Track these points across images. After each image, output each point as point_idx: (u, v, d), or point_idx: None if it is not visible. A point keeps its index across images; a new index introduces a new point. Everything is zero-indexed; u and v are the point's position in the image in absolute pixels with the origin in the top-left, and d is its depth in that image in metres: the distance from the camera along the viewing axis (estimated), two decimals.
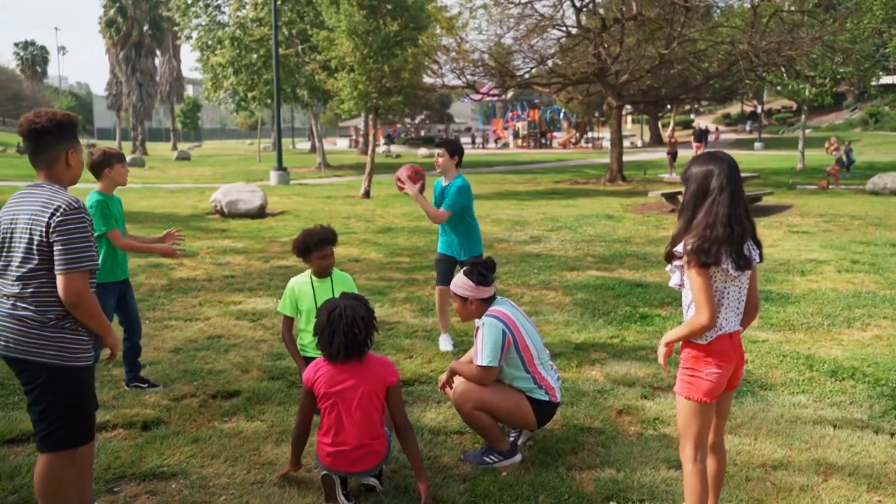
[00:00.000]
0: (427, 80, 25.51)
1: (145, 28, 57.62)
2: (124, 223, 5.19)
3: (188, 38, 33.55)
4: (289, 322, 4.87)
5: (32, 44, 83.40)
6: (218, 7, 33.27)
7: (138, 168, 36.18)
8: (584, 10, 23.83)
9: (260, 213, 15.93)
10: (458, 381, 4.15)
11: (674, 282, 3.18)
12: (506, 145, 57.15)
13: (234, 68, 30.34)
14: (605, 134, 50.22)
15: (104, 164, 4.97)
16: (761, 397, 5.03)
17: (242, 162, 42.03)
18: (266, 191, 19.77)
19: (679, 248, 3.04)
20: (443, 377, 4.28)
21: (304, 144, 64.72)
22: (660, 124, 58.02)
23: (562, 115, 56.72)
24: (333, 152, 52.48)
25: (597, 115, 53.35)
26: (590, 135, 56.54)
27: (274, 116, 26.58)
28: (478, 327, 4.07)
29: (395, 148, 52.24)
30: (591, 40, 22.68)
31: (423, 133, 62.32)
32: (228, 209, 15.76)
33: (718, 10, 27.75)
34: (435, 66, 24.28)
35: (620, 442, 4.32)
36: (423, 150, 46.02)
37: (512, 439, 4.24)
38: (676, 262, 3.11)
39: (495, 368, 3.97)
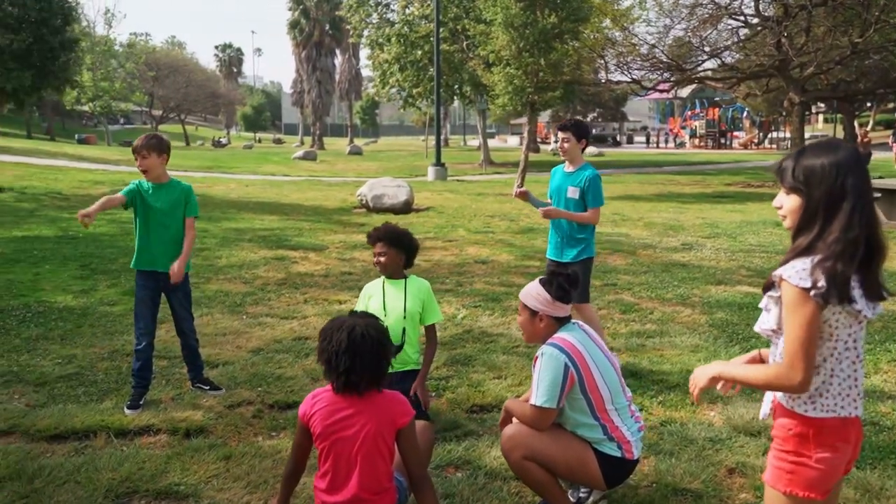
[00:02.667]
0: (599, 75, 24.35)
1: (326, 28, 60.34)
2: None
3: (359, 36, 34.44)
4: None
5: (230, 46, 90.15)
6: (387, 5, 33.90)
7: (310, 162, 37.73)
8: None
9: (405, 208, 15.72)
10: (513, 421, 3.41)
11: (769, 324, 2.22)
12: (682, 144, 54.32)
13: (400, 65, 30.76)
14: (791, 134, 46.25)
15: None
16: None
17: (411, 157, 42.64)
18: (421, 186, 19.72)
19: (786, 271, 2.08)
20: (502, 414, 3.56)
21: (475, 141, 65.08)
22: (856, 123, 52.66)
23: (745, 113, 52.99)
24: (502, 149, 52.23)
25: (783, 113, 49.27)
26: (774, 135, 52.45)
27: (435, 113, 26.56)
28: (536, 357, 3.30)
29: None
30: (772, 30, 20.57)
31: (594, 131, 60.55)
32: (373, 203, 15.69)
33: None
34: (600, 62, 23.09)
35: None
36: (590, 149, 44.56)
37: (582, 496, 3.46)
38: (775, 293, 2.17)
39: (553, 411, 3.17)
